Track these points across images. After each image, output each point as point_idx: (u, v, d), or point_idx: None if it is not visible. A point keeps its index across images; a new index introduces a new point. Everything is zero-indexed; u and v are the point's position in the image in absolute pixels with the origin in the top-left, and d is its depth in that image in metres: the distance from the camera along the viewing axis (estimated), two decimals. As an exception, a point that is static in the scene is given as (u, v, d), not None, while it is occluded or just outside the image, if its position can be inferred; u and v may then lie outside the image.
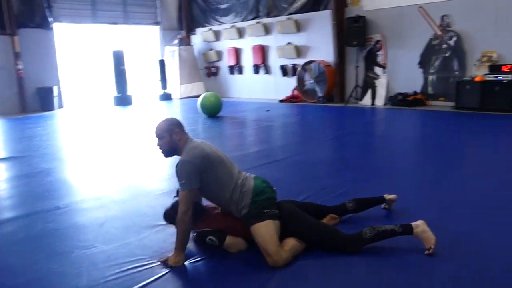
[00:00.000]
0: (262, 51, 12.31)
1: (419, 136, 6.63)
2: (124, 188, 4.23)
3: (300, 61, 11.21)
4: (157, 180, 4.48)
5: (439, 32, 8.74)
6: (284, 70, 11.84)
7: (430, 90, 9.08)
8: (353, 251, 2.59)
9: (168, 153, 2.73)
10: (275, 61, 12.09)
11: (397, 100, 9.20)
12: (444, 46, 8.71)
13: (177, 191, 2.94)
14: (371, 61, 9.94)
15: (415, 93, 9.16)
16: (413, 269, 2.42)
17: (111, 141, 6.85)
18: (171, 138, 2.68)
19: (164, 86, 13.39)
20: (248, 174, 2.87)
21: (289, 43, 11.53)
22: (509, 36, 7.79)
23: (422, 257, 2.51)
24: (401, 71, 9.43)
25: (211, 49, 13.93)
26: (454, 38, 8.54)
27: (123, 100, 12.37)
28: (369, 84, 10.02)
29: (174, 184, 3.03)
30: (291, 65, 11.61)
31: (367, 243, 2.59)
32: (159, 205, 3.37)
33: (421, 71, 9.14)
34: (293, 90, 11.48)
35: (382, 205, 3.23)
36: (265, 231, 2.58)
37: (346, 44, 10.01)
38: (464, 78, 8.34)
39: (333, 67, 10.46)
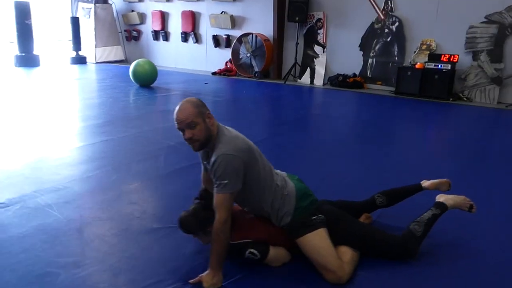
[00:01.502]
0: (193, 17, 11.41)
1: (370, 120, 6.58)
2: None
3: (235, 33, 10.61)
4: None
5: (382, 16, 8.79)
6: (217, 41, 11.13)
7: (368, 73, 9.17)
8: (412, 254, 2.29)
9: (203, 145, 2.09)
10: (207, 30, 11.29)
11: (338, 81, 9.16)
12: (386, 30, 8.80)
13: (200, 193, 2.34)
14: (311, 39, 9.73)
15: (354, 75, 9.20)
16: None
17: (10, 109, 5.77)
18: (206, 125, 2.06)
19: (77, 48, 11.81)
20: (279, 171, 2.38)
21: (224, 12, 10.82)
22: (448, 26, 8.08)
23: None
24: (340, 52, 9.37)
25: (133, 11, 12.58)
26: (396, 24, 8.65)
27: (27, 60, 10.64)
28: (308, 62, 9.84)
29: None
30: (225, 36, 10.94)
31: (422, 241, 2.31)
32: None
33: (361, 54, 9.18)
34: (227, 62, 10.87)
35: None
36: (320, 242, 2.14)
37: (287, 19, 9.64)
38: (404, 64, 8.54)
39: (272, 42, 10.07)
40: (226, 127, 2.20)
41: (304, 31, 9.74)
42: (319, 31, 9.58)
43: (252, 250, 2.13)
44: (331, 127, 5.75)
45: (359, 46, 9.15)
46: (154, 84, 8.31)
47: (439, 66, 7.93)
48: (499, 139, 5.60)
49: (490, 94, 7.86)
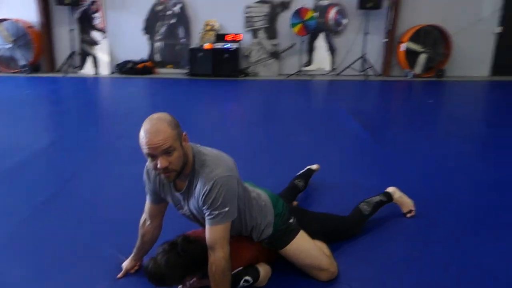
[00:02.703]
0: None
1: (169, 103, 6.47)
2: None
3: (-15, 20, 8.61)
4: None
5: (162, -2, 8.58)
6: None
7: (157, 57, 8.90)
8: (358, 231, 2.38)
9: (179, 174, 1.67)
10: None
11: (127, 68, 8.57)
12: (169, 12, 8.65)
13: (178, 242, 1.82)
14: (87, 24, 8.73)
15: (144, 60, 8.78)
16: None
17: None
18: (183, 149, 1.65)
19: None
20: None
21: (-39, -6, 8.59)
22: (228, 7, 8.51)
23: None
24: (124, 37, 8.75)
25: None
26: (179, 5, 8.59)
27: None
28: (88, 50, 8.84)
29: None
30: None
31: (366, 220, 2.43)
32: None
33: (147, 38, 8.80)
34: (-21, 57, 8.76)
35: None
36: (307, 244, 2.01)
37: (56, 2, 8.36)
38: (193, 46, 8.62)
39: (38, 28, 8.59)
40: (196, 144, 1.79)
41: (78, 15, 8.66)
42: (95, 15, 8.68)
43: (246, 277, 1.87)
44: (120, 119, 5.29)
45: (143, 30, 8.74)
46: None
47: (227, 45, 8.33)
48: (289, 104, 6.35)
49: (271, 67, 8.75)
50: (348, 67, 8.54)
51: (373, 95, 7.39)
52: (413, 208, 2.63)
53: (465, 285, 2.01)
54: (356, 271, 2.09)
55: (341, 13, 8.54)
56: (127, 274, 2.06)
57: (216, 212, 1.66)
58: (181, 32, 8.76)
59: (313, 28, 8.30)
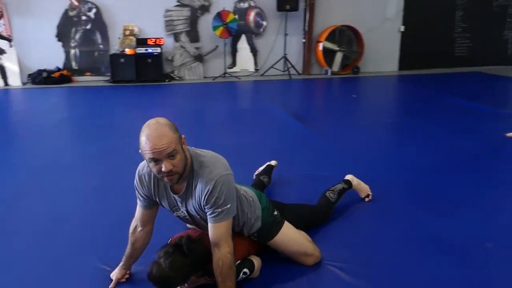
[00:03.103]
0: None
1: (89, 113, 6.22)
2: None
3: None
4: None
5: (75, 3, 8.12)
6: None
7: (74, 65, 8.40)
8: (328, 218, 2.51)
9: (181, 177, 1.69)
10: None
11: (42, 78, 7.99)
12: (84, 18, 8.21)
13: (182, 242, 1.80)
14: (-10, 32, 7.99)
15: (59, 69, 8.25)
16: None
17: None
18: (184, 152, 1.67)
19: None
20: None
21: None
22: (146, 11, 8.30)
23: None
24: (35, 44, 8.13)
25: None
26: (94, 10, 8.20)
27: None
28: (-7, 60, 8.09)
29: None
30: None
31: (334, 206, 2.56)
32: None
33: (61, 45, 8.27)
34: None
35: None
36: (293, 233, 2.11)
37: (-50, 8, 7.54)
38: (114, 52, 8.27)
39: None
40: (191, 147, 1.81)
41: (-22, 22, 7.89)
42: (-1, 21, 7.97)
43: (245, 270, 1.91)
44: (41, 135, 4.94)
45: (56, 37, 8.20)
46: None
47: (149, 50, 8.13)
48: (220, 106, 6.41)
49: (196, 70, 8.71)
50: (271, 67, 8.79)
51: (301, 93, 7.69)
52: (370, 193, 2.83)
53: (427, 255, 2.23)
54: (336, 254, 2.21)
55: (260, 15, 8.77)
56: (117, 284, 1.98)
57: (219, 210, 1.70)
58: (98, 38, 8.36)
59: (235, 30, 8.43)
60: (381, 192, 2.94)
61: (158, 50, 8.15)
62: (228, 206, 1.73)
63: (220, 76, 8.58)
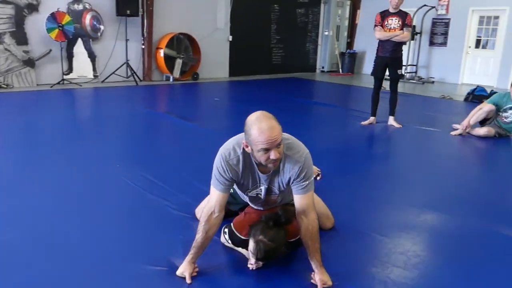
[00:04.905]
0: None
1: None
2: None
3: None
4: None
5: None
6: None
7: None
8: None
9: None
10: None
11: None
12: None
13: (278, 215, 2.07)
14: None
15: None
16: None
17: None
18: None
19: None
20: None
21: None
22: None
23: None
24: None
25: None
26: None
27: None
28: None
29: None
30: None
31: None
32: None
33: None
34: None
35: None
36: (319, 198, 2.56)
37: None
38: None
39: None
40: None
41: None
42: None
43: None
44: None
45: None
46: None
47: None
48: (60, 116, 6.01)
49: (27, 77, 7.70)
50: (112, 73, 8.44)
51: (158, 98, 7.73)
52: (319, 172, 3.36)
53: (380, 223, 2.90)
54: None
55: (97, 18, 8.34)
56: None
57: (307, 182, 1.99)
58: None
59: (72, 33, 7.81)
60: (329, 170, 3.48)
61: (-20, 53, 6.92)
62: (312, 179, 2.03)
63: (58, 83, 7.80)
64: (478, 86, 8.18)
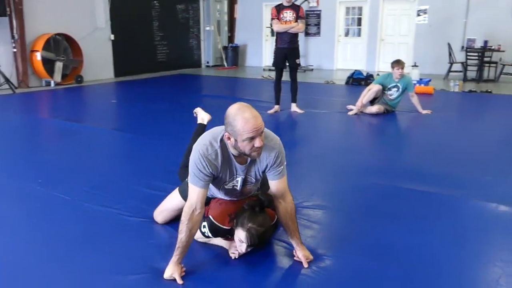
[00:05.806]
0: None
1: None
2: None
3: None
4: None
5: None
6: None
7: None
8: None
9: None
10: None
11: None
12: None
13: (259, 201, 2.19)
14: None
15: None
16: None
17: None
18: None
19: None
20: None
21: None
22: None
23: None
24: None
25: None
26: None
27: None
28: None
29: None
30: None
31: None
32: None
33: None
34: None
35: None
36: None
37: None
38: None
39: None
40: None
41: None
42: None
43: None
44: None
45: None
46: None
47: None
48: None
49: None
50: (-21, 82, 7.44)
51: (44, 105, 7.06)
52: None
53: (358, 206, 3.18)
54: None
55: (-46, 20, 7.25)
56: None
57: (282, 167, 2.10)
58: None
59: None
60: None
61: None
62: (285, 163, 2.13)
63: None
64: (356, 70, 9.11)
